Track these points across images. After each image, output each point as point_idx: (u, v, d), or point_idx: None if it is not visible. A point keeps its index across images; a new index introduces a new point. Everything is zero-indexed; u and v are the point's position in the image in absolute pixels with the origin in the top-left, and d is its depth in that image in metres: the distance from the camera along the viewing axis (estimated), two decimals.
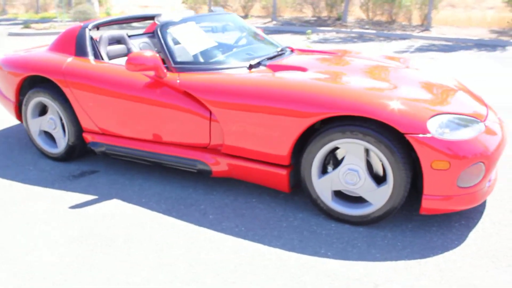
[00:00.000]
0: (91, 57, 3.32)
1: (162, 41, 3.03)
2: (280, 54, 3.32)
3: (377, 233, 2.52)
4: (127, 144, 3.12)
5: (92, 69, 3.16)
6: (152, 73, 2.97)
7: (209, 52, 3.10)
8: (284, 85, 2.58)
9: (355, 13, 13.74)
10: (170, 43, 3.04)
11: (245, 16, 14.75)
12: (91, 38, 3.39)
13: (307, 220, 2.65)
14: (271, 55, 3.24)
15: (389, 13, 12.87)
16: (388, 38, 11.49)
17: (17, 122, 4.54)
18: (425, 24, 11.86)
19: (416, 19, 12.62)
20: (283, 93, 2.54)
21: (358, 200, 2.63)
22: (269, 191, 3.01)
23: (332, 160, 2.62)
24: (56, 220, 2.68)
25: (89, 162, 3.52)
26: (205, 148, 2.92)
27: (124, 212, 2.76)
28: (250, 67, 3.00)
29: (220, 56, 3.11)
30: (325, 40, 10.72)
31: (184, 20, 3.22)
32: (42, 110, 3.56)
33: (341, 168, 2.52)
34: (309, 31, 10.42)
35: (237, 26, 3.64)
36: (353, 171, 2.49)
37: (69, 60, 3.30)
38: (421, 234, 2.51)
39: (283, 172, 2.66)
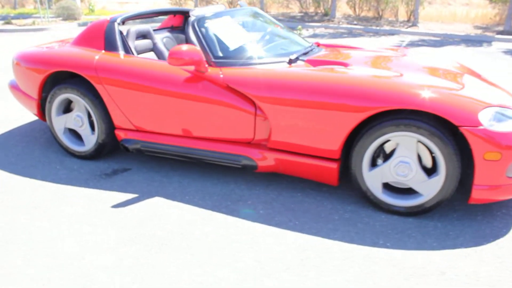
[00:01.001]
0: (121, 51, 3.24)
1: (201, 36, 2.99)
2: (312, 49, 3.34)
3: (427, 223, 2.56)
4: (164, 140, 3.07)
5: (127, 64, 3.09)
6: (191, 67, 2.92)
7: (247, 47, 3.07)
8: (338, 80, 2.59)
9: (342, 9, 13.88)
10: (209, 37, 3.00)
11: None
12: (121, 33, 3.30)
13: (357, 213, 2.67)
14: (305, 50, 3.25)
15: (376, 9, 13.06)
16: (377, 33, 11.65)
17: (29, 120, 4.39)
18: (412, 20, 12.08)
19: (402, 15, 12.85)
20: (337, 88, 2.55)
21: (406, 192, 2.66)
22: (311, 185, 3.01)
23: (381, 153, 2.64)
24: (100, 221, 2.61)
25: (118, 159, 3.44)
26: (248, 143, 2.90)
27: (171, 210, 2.71)
28: (290, 62, 2.99)
29: (259, 51, 3.08)
30: (315, 36, 10.77)
31: (218, 15, 3.19)
32: (66, 107, 3.46)
33: (392, 160, 2.55)
34: (299, 27, 10.46)
35: (264, 21, 3.62)
36: (404, 163, 2.53)
37: (100, 55, 3.21)
38: (468, 223, 2.57)
39: (334, 165, 2.68)
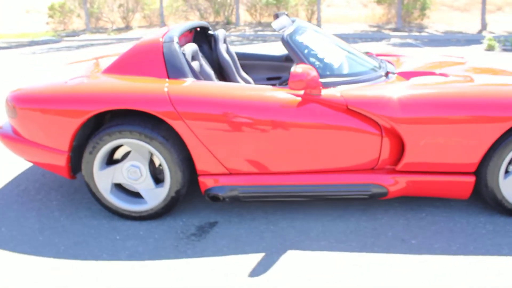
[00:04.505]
0: (190, 78, 2.59)
1: (299, 53, 2.55)
2: (386, 61, 3.17)
3: None
4: (270, 181, 2.54)
5: (215, 93, 2.48)
6: (301, 91, 2.48)
7: (347, 63, 2.73)
8: (478, 93, 2.48)
9: (241, 16, 13.87)
10: (310, 54, 2.57)
11: (128, 28, 13.55)
12: (184, 55, 2.64)
13: (500, 224, 2.55)
14: (382, 62, 3.06)
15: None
16: None
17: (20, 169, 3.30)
18: (315, 23, 12.64)
19: (302, 18, 13.37)
20: (479, 100, 2.44)
21: None
22: (424, 202, 2.80)
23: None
24: None
25: (186, 213, 2.76)
26: (371, 169, 2.57)
27: (319, 258, 2.24)
28: (386, 76, 2.76)
29: (357, 66, 2.76)
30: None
31: (302, 29, 2.78)
32: (109, 158, 2.65)
33: None
34: None
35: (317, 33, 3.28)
36: None
37: (168, 84, 2.52)
38: None
39: (471, 179, 2.52)
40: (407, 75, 2.84)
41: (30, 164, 3.66)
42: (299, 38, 2.68)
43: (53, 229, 2.65)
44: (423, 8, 12.25)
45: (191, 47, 2.87)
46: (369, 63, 2.91)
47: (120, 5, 13.18)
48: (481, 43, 9.64)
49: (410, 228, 2.55)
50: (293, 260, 2.28)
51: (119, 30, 13.27)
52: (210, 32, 3.61)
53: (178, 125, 2.46)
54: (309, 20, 13.09)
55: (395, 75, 2.85)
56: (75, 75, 2.80)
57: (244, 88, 2.52)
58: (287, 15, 3.23)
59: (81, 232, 2.61)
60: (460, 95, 2.45)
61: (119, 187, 2.73)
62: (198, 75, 2.62)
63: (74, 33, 12.75)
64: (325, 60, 2.67)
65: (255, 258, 2.31)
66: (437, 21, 12.84)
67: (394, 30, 11.94)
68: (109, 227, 2.64)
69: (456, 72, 2.93)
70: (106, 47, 10.78)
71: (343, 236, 2.49)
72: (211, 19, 13.92)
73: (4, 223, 2.76)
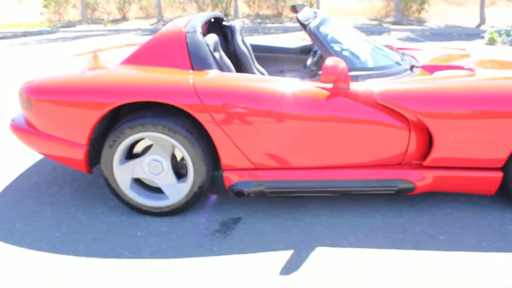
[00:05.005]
0: (215, 70, 2.51)
1: (327, 45, 2.48)
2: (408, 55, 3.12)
3: None
4: (296, 176, 2.47)
5: (244, 85, 2.41)
6: (329, 85, 2.41)
7: (374, 55, 2.67)
8: (507, 87, 2.42)
9: (240, 8, 13.73)
10: (339, 47, 2.50)
11: (124, 19, 13.34)
12: (208, 45, 2.55)
13: None
14: (407, 56, 3.01)
15: (275, 6, 13.23)
16: (287, 30, 11.82)
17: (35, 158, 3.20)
18: None
19: None
20: (508, 95, 2.38)
21: None
22: (449, 197, 2.77)
23: None
24: None
25: (205, 209, 2.69)
26: (398, 164, 2.52)
27: (353, 259, 2.20)
28: (411, 69, 2.71)
29: (384, 59, 2.70)
30: None
31: (326, 20, 2.71)
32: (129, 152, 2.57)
33: None
34: None
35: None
36: None
37: (193, 76, 2.44)
38: None
39: (498, 174, 2.49)
40: (430, 69, 2.80)
41: (40, 157, 3.56)
42: (325, 29, 2.62)
43: (70, 225, 2.57)
44: (422, 2, 12.21)
45: (213, 38, 2.78)
46: (393, 56, 2.85)
47: None
48: (482, 37, 9.65)
49: (437, 224, 2.51)
50: (323, 257, 2.23)
51: (115, 21, 13.06)
52: (224, 23, 3.52)
53: (204, 118, 2.38)
54: None
55: (419, 69, 2.80)
56: (92, 66, 2.71)
57: (272, 80, 2.45)
58: (306, 6, 3.16)
59: (99, 228, 2.54)
60: (489, 89, 2.41)
61: (138, 182, 2.65)
62: (222, 66, 2.54)
63: (70, 24, 12.52)
64: (352, 53, 2.60)
65: (283, 255, 2.25)
66: (434, 15, 12.83)
67: (394, 23, 11.89)
68: (129, 223, 2.57)
69: (478, 66, 2.89)
70: (103, 38, 10.60)
71: (371, 232, 2.44)
72: (208, 11, 13.75)
73: (18, 218, 2.67)
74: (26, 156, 3.57)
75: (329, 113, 2.39)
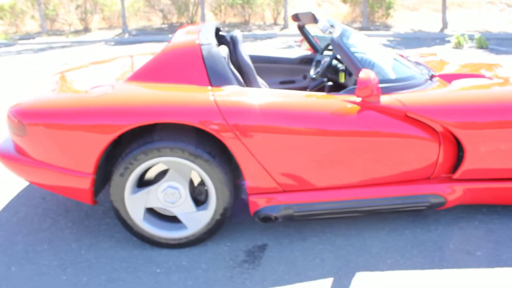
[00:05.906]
0: (235, 85, 2.31)
1: (352, 56, 2.34)
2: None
3: None
4: (325, 197, 2.31)
5: (270, 103, 2.23)
6: (358, 99, 2.29)
7: (398, 67, 2.58)
8: None
9: (206, 16, 13.52)
10: (359, 57, 2.38)
11: (86, 30, 12.78)
12: (225, 58, 2.34)
13: None
14: (423, 65, 2.95)
15: (242, 14, 13.12)
16: (256, 38, 11.74)
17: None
18: (283, 23, 12.53)
19: (269, 19, 13.23)
20: None
21: None
22: (471, 209, 2.70)
23: None
24: None
25: (229, 236, 2.47)
26: (427, 179, 2.42)
27: (398, 284, 2.06)
28: (431, 79, 2.64)
29: (407, 71, 2.60)
30: None
31: (348, 31, 2.59)
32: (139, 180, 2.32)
33: None
34: None
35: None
36: None
37: (214, 93, 2.23)
38: None
39: None
40: (448, 78, 2.73)
41: (24, 184, 3.21)
42: (348, 41, 2.49)
43: (77, 265, 2.28)
44: (388, 7, 12.49)
45: (226, 51, 2.59)
46: (413, 67, 2.77)
47: (78, 6, 12.42)
48: (448, 41, 9.93)
49: (468, 238, 2.42)
50: (365, 283, 2.08)
51: (77, 32, 12.50)
52: (221, 33, 3.33)
53: (229, 139, 2.18)
54: (275, 21, 12.99)
55: (438, 77, 2.73)
56: (93, 84, 2.44)
57: (297, 95, 2.29)
58: (313, 14, 3.04)
59: (111, 267, 2.27)
60: None
61: (151, 211, 2.40)
62: (242, 81, 2.35)
63: (29, 36, 11.85)
64: (377, 65, 2.49)
65: (323, 284, 2.08)
66: (397, 20, 13.15)
67: (361, 29, 12.07)
68: (144, 259, 2.31)
69: (489, 73, 2.86)
70: (68, 50, 10.09)
71: (406, 251, 2.32)
72: (174, 19, 13.46)
73: (12, 261, 2.35)
74: (7, 184, 3.22)
75: (359, 128, 2.25)
